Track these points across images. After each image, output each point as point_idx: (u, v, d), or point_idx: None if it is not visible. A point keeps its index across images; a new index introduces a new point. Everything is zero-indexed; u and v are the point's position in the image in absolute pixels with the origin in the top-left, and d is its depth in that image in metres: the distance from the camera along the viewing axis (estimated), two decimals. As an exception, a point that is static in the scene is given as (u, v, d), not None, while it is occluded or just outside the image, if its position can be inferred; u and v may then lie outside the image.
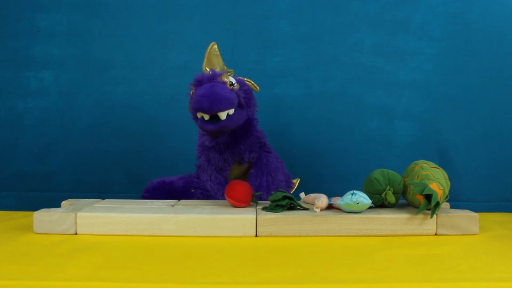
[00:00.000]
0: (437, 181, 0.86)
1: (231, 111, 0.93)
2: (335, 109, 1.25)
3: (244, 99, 0.98)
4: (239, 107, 0.96)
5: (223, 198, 1.03)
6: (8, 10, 1.22)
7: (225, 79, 0.94)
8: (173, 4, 1.24)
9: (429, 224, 0.86)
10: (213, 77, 0.93)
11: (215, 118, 0.92)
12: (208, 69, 0.97)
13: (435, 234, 0.86)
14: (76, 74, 1.24)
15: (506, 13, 1.23)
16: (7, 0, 1.22)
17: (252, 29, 1.24)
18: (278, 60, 1.24)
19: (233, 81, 0.97)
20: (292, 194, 1.08)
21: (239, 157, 1.03)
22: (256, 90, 1.03)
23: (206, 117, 0.92)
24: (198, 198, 1.03)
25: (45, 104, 1.23)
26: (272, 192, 0.92)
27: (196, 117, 0.95)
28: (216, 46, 1.00)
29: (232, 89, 0.95)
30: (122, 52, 1.24)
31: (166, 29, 1.24)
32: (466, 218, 0.87)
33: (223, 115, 0.92)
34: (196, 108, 0.91)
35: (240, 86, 0.98)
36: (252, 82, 1.03)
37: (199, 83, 0.93)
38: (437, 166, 0.92)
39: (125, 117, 1.24)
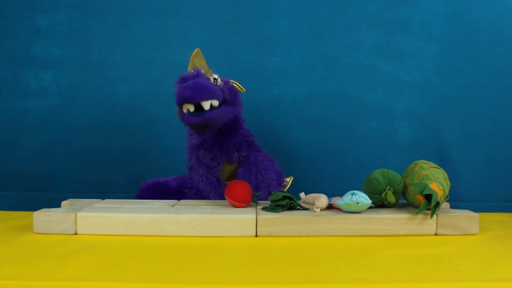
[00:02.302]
0: (437, 181, 0.86)
1: (215, 103, 0.93)
2: (335, 109, 1.25)
3: (229, 96, 0.98)
4: (224, 103, 0.97)
5: (216, 198, 1.03)
6: (8, 10, 1.22)
7: (208, 76, 0.96)
8: (173, 4, 1.24)
9: (429, 224, 0.86)
10: (197, 75, 0.94)
11: (199, 110, 0.92)
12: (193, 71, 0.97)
13: (435, 234, 0.86)
14: (76, 74, 1.23)
15: (506, 13, 1.23)
16: (7, 0, 1.22)
17: (252, 29, 1.24)
18: (278, 60, 1.24)
19: (216, 76, 0.98)
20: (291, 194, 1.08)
21: (227, 156, 1.03)
22: (241, 91, 1.05)
23: (191, 108, 0.91)
24: (191, 198, 1.03)
25: (45, 104, 1.23)
26: (272, 192, 0.92)
27: (183, 115, 0.95)
28: (200, 52, 1.01)
29: (216, 84, 0.96)
30: (122, 52, 1.24)
31: (166, 29, 1.24)
32: (466, 218, 0.87)
33: (206, 105, 0.91)
34: (179, 99, 0.90)
35: (224, 84, 0.99)
36: (237, 83, 1.04)
37: (183, 80, 0.94)
38: (437, 166, 0.92)
39: (125, 117, 1.24)
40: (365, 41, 1.24)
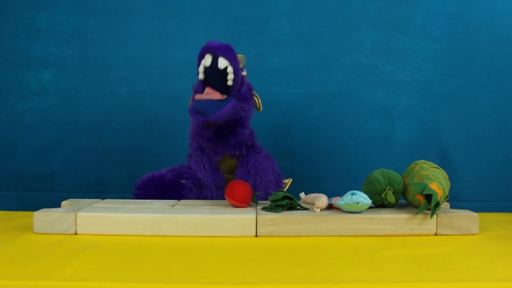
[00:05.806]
0: (437, 181, 0.86)
1: (231, 72, 0.93)
2: (335, 109, 1.25)
3: (245, 94, 0.98)
4: (236, 96, 0.96)
5: (213, 188, 1.03)
6: (8, 10, 1.22)
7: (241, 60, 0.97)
8: (173, 4, 1.24)
9: (429, 224, 0.86)
10: None
11: (214, 69, 0.92)
12: None
13: (435, 234, 0.86)
14: (76, 74, 1.24)
15: (506, 13, 1.23)
16: (7, 0, 1.22)
17: (252, 29, 1.24)
18: (278, 60, 1.24)
19: (244, 68, 0.99)
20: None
21: (225, 152, 1.02)
22: (257, 107, 1.04)
23: (208, 61, 0.92)
24: (189, 188, 1.02)
25: (45, 104, 1.23)
26: (272, 192, 0.92)
27: (193, 98, 0.94)
28: (243, 58, 1.01)
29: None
30: (122, 52, 1.24)
31: (166, 29, 1.24)
32: (466, 218, 0.87)
33: (223, 62, 0.91)
34: (204, 48, 0.92)
35: (247, 80, 1.00)
36: (258, 97, 1.04)
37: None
38: (437, 166, 0.92)
39: (125, 117, 1.24)
40: (365, 41, 1.24)
